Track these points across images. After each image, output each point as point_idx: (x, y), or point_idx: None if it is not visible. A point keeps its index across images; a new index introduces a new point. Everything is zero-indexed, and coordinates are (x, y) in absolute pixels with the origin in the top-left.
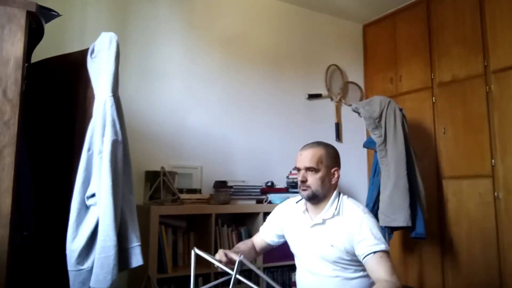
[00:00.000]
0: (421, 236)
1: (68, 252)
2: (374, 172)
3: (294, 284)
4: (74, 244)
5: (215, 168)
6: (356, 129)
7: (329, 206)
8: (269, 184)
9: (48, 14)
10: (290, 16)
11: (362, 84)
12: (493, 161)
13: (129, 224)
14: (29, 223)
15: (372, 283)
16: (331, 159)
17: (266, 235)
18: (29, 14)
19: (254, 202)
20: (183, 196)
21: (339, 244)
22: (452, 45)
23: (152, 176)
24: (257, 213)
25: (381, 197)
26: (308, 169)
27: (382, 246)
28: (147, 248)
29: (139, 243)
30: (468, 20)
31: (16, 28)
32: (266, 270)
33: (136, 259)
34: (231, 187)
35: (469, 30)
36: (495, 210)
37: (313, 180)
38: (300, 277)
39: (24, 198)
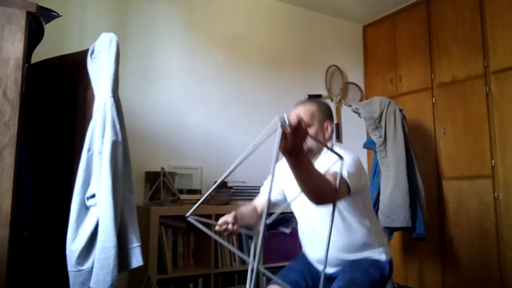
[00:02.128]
0: (421, 237)
1: (68, 252)
2: (374, 173)
3: None
4: (74, 244)
5: (215, 168)
6: (356, 129)
7: (322, 158)
8: None
9: (48, 14)
10: (290, 16)
11: (362, 85)
12: (493, 161)
13: (129, 224)
14: (29, 224)
15: (372, 230)
16: (323, 113)
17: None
18: (29, 14)
19: None
20: (183, 196)
21: None
22: (452, 45)
23: (152, 177)
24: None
25: (381, 198)
26: None
27: (344, 173)
28: (147, 249)
29: (139, 244)
30: (468, 20)
31: (16, 29)
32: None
33: (136, 260)
34: (231, 187)
35: (469, 31)
36: (495, 211)
37: None
38: (303, 235)
39: (24, 198)
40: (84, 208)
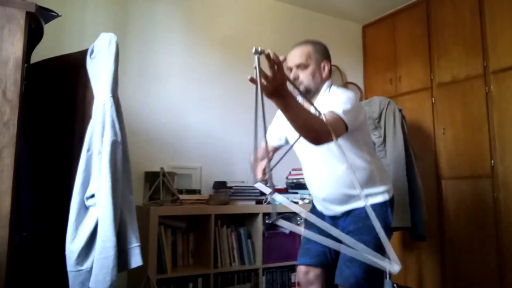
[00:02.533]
0: (421, 237)
1: (67, 252)
2: None
3: (294, 284)
4: (73, 244)
5: (215, 168)
6: None
7: (320, 97)
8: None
9: (48, 14)
10: (290, 16)
11: (361, 85)
12: (492, 161)
13: (128, 224)
14: (29, 224)
15: (374, 166)
16: (320, 53)
17: (270, 140)
18: (29, 14)
19: (253, 202)
20: (183, 196)
21: None
22: (451, 45)
23: (151, 177)
24: (257, 214)
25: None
26: (298, 66)
27: (339, 111)
28: (146, 249)
29: (138, 244)
30: (468, 20)
31: (16, 29)
32: (265, 270)
33: (136, 260)
34: (230, 187)
35: (468, 31)
36: (495, 211)
37: (304, 76)
38: (308, 176)
39: (23, 198)
40: (84, 208)
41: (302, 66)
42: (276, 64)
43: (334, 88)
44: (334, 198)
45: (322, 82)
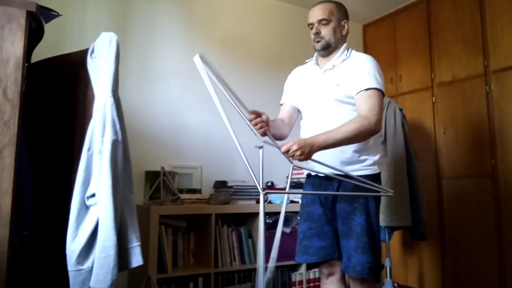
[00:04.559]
0: (421, 237)
1: (68, 252)
2: None
3: (294, 284)
4: (74, 244)
5: (215, 168)
6: None
7: (340, 54)
8: (269, 184)
9: (48, 14)
10: (290, 16)
11: None
12: (493, 161)
13: (129, 224)
14: (29, 223)
15: (368, 140)
16: (341, 12)
17: (289, 99)
18: (29, 14)
19: (254, 202)
20: (183, 196)
21: (345, 83)
22: (452, 45)
23: (152, 176)
24: (257, 213)
25: (381, 197)
26: (320, 21)
27: (374, 84)
28: (147, 248)
29: (139, 243)
30: (468, 20)
31: (16, 28)
32: (266, 270)
33: (136, 259)
34: (231, 187)
35: (469, 30)
36: (495, 210)
37: (326, 31)
38: (307, 127)
39: (24, 198)
40: (84, 208)
41: (324, 22)
42: (293, 153)
43: (354, 52)
44: (325, 153)
45: (342, 39)
